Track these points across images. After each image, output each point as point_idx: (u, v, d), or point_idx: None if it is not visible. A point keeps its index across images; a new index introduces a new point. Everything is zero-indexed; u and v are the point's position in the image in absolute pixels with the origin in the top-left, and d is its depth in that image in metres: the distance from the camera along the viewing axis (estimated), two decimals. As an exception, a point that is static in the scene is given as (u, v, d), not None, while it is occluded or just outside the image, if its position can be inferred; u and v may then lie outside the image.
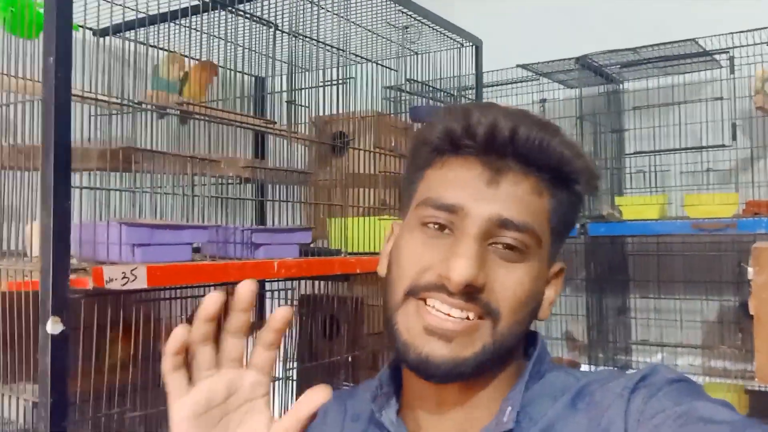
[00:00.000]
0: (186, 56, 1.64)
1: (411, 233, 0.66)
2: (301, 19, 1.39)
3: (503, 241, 0.62)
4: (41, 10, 1.01)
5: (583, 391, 0.65)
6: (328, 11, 1.40)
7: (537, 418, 0.64)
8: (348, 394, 0.77)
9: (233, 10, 1.33)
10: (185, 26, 1.56)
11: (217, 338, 0.54)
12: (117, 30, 1.46)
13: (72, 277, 0.86)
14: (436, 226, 0.64)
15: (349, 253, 1.36)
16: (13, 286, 0.92)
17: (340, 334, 1.46)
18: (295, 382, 1.40)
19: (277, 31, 1.37)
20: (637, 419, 0.58)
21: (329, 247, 1.41)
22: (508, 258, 0.63)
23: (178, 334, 0.52)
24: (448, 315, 0.61)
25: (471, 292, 0.61)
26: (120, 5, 1.38)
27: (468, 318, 0.61)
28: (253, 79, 2.04)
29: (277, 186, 1.77)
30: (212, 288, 1.07)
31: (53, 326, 0.84)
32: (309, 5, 1.39)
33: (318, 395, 0.54)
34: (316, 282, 1.52)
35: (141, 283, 0.90)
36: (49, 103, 0.86)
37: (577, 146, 0.67)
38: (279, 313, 0.54)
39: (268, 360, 0.56)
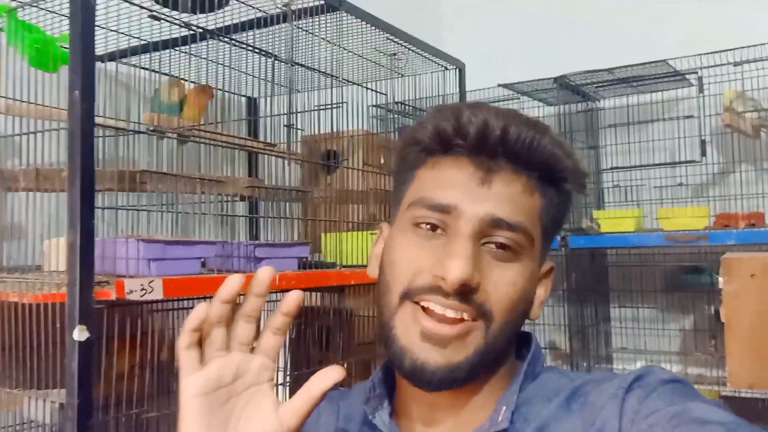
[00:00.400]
0: (185, 80, 1.75)
1: (403, 234, 0.66)
2: (298, 47, 1.51)
3: (496, 240, 0.63)
4: (60, 46, 1.12)
5: (578, 392, 0.66)
6: (323, 39, 1.52)
7: (531, 418, 0.65)
8: (340, 395, 0.78)
9: (231, 40, 1.44)
10: (185, 53, 1.68)
11: (228, 323, 0.56)
12: (120, 56, 1.57)
13: (96, 289, 0.96)
14: (428, 227, 0.64)
15: (344, 266, 1.46)
16: (39, 297, 1.01)
17: (333, 344, 1.56)
18: (288, 388, 1.50)
19: (276, 60, 1.48)
20: (632, 419, 0.59)
21: (324, 260, 1.51)
22: (501, 258, 0.64)
23: (200, 311, 0.54)
24: (443, 315, 0.61)
25: (466, 292, 0.61)
26: (125, 34, 1.49)
27: (463, 318, 0.62)
28: (245, 99, 2.15)
29: (271, 203, 1.89)
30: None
31: (80, 334, 0.93)
32: (304, 34, 1.51)
33: (332, 374, 0.56)
34: (312, 294, 1.63)
35: (158, 294, 1.00)
36: (75, 133, 0.96)
37: (566, 145, 0.68)
38: (291, 296, 0.56)
39: (275, 345, 0.58)
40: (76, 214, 0.94)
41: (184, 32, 1.53)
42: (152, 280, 1.00)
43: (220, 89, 1.88)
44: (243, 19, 1.50)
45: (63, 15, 1.21)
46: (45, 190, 1.13)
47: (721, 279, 1.93)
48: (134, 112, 1.53)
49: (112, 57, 1.58)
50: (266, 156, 1.89)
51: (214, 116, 1.82)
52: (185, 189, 1.17)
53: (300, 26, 1.47)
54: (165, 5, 1.45)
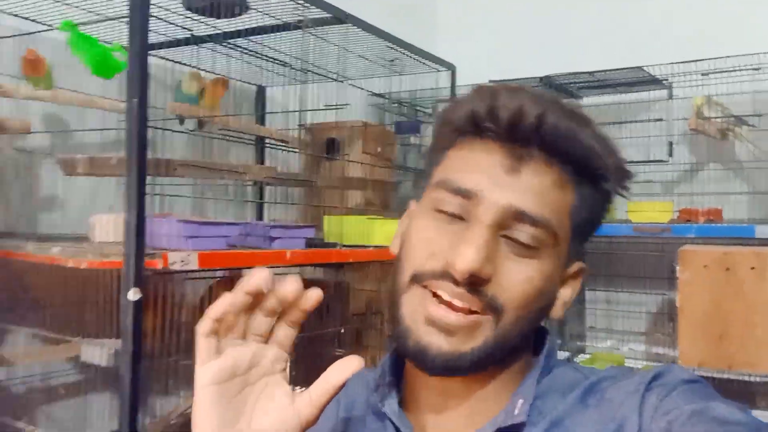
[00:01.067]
0: (205, 70, 1.98)
1: (424, 216, 0.65)
2: (308, 51, 1.74)
3: (516, 235, 0.60)
4: (113, 57, 1.35)
5: (594, 388, 0.65)
6: (332, 44, 1.75)
7: (546, 412, 0.63)
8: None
9: (250, 52, 1.68)
10: (207, 48, 1.91)
11: (247, 313, 0.56)
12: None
13: (146, 259, 1.21)
14: (447, 213, 0.62)
15: (343, 246, 1.72)
16: (94, 264, 1.26)
17: (331, 313, 1.82)
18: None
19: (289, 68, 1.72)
20: (651, 416, 0.58)
21: (324, 240, 1.77)
22: (521, 252, 0.61)
23: (225, 301, 0.54)
24: (450, 303, 0.60)
25: (476, 283, 0.59)
26: (154, 32, 1.72)
27: (470, 310, 0.60)
28: (255, 87, 2.38)
29: (276, 187, 2.14)
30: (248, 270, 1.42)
31: (134, 295, 1.18)
32: (314, 39, 1.74)
33: (351, 364, 0.56)
34: (316, 269, 1.89)
35: (194, 265, 1.25)
36: (133, 132, 1.20)
37: (610, 141, 0.64)
38: (312, 295, 0.56)
39: (289, 336, 0.57)
40: (133, 198, 1.19)
41: (208, 31, 1.77)
42: (190, 254, 1.25)
43: (235, 79, 2.11)
44: (261, 24, 1.73)
45: (118, 19, 1.44)
46: (97, 174, 1.37)
47: (677, 268, 2.21)
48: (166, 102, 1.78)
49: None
50: (273, 144, 2.14)
51: (230, 107, 2.05)
52: (211, 176, 1.42)
53: (311, 33, 1.70)
54: (190, 10, 1.68)
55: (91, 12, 1.40)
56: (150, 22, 1.25)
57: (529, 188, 0.61)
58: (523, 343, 0.66)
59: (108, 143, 1.80)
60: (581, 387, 0.65)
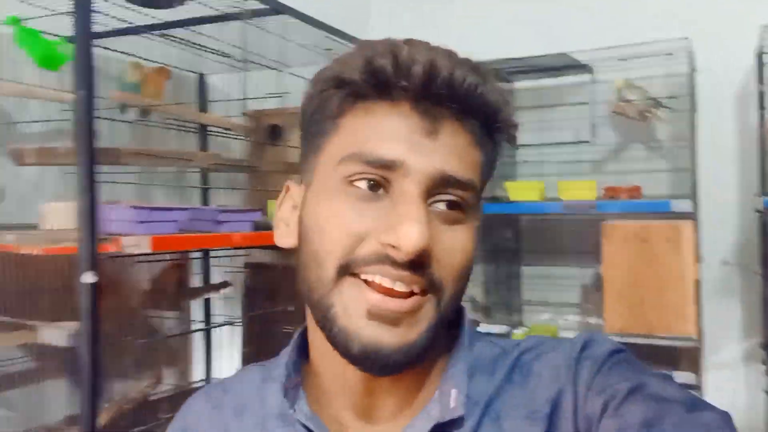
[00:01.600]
0: (146, 59, 2.04)
1: (333, 195, 0.58)
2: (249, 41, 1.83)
3: (446, 198, 0.57)
4: (58, 50, 1.42)
5: (518, 363, 0.63)
6: (270, 33, 1.85)
7: (477, 398, 0.61)
8: (223, 389, 0.71)
9: (191, 43, 1.76)
10: (147, 38, 1.97)
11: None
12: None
13: (100, 244, 1.29)
14: (369, 184, 0.56)
15: (288, 228, 1.82)
16: (49, 250, 1.33)
17: (280, 293, 1.93)
18: (241, 328, 1.87)
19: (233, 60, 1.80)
20: (585, 394, 0.58)
21: (269, 222, 1.87)
22: (450, 219, 0.58)
23: None
24: (391, 290, 0.55)
25: (420, 262, 0.55)
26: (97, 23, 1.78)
27: (412, 292, 0.56)
28: (196, 76, 2.45)
29: (220, 174, 2.23)
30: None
31: (90, 278, 1.27)
32: (253, 29, 1.83)
33: None
34: (264, 252, 1.99)
35: (146, 249, 1.34)
36: (81, 122, 1.28)
37: (505, 92, 0.61)
38: None
39: None
40: (85, 185, 1.27)
41: (147, 21, 1.83)
42: (142, 238, 1.34)
43: (175, 67, 2.18)
44: (202, 14, 1.81)
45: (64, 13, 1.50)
46: (46, 164, 1.44)
47: (602, 242, 2.41)
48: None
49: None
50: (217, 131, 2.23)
51: (171, 95, 2.12)
52: (158, 164, 1.50)
53: (250, 23, 1.79)
54: (130, 1, 1.74)
55: (34, 5, 1.45)
56: (92, 13, 1.32)
57: (449, 150, 0.57)
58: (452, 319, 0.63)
59: (50, 132, 1.84)
60: (506, 365, 0.63)
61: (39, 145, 1.43)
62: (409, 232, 0.53)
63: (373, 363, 0.56)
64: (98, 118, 1.32)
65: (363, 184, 0.56)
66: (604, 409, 0.56)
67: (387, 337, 0.55)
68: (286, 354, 0.67)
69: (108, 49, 2.01)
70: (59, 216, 1.43)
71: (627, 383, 0.56)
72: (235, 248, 1.64)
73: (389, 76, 0.55)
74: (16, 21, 1.39)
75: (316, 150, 0.61)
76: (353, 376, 0.61)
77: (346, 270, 0.56)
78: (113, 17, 1.71)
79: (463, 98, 0.57)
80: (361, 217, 0.56)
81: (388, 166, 0.56)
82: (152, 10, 1.77)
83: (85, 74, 1.27)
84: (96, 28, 1.31)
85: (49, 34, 1.52)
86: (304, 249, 0.60)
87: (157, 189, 2.10)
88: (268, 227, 1.81)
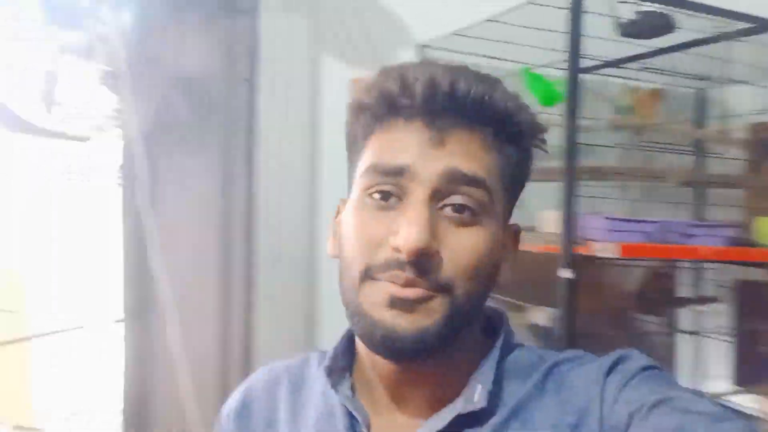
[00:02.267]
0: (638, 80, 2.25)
1: (357, 207, 0.65)
2: None
3: (455, 200, 0.62)
4: (555, 88, 1.78)
5: (553, 371, 0.66)
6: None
7: (506, 398, 0.65)
8: (283, 367, 0.79)
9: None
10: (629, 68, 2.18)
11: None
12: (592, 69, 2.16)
13: (576, 246, 1.60)
14: (380, 195, 0.62)
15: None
16: (541, 249, 1.70)
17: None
18: (730, 344, 1.90)
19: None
20: (611, 406, 0.59)
21: (753, 240, 1.86)
22: (461, 222, 0.62)
23: None
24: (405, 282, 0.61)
25: (423, 263, 0.60)
26: (590, 57, 2.09)
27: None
28: (695, 91, 2.52)
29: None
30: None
31: (566, 273, 1.58)
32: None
33: None
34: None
35: (615, 254, 1.58)
36: (567, 144, 1.60)
37: (520, 98, 0.65)
38: None
39: None
40: (567, 197, 1.59)
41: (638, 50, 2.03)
42: (610, 244, 1.58)
43: (672, 85, 2.30)
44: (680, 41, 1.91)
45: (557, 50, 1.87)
46: (545, 180, 1.82)
47: None
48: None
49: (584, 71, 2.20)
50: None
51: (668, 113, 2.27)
52: (634, 180, 1.71)
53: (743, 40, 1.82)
54: (625, 35, 1.98)
55: (539, 48, 1.83)
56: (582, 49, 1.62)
57: (457, 153, 0.62)
58: (476, 318, 0.67)
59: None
60: (540, 371, 0.66)
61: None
62: (408, 233, 0.59)
63: (392, 348, 0.61)
64: (580, 144, 1.62)
65: (377, 195, 0.63)
66: (629, 421, 0.58)
67: (403, 323, 0.60)
68: (339, 341, 0.74)
69: (608, 75, 2.29)
70: (550, 222, 1.78)
71: (654, 396, 0.57)
72: (710, 261, 1.72)
73: (396, 97, 0.63)
74: (527, 70, 1.81)
75: (353, 170, 0.69)
76: (383, 368, 0.67)
77: (368, 274, 0.62)
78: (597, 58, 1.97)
79: (470, 108, 0.62)
80: (377, 225, 0.62)
81: (398, 172, 0.62)
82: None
83: (571, 104, 1.59)
84: (584, 63, 1.58)
85: (548, 75, 1.89)
86: (340, 257, 0.67)
87: (653, 203, 2.28)
88: (747, 243, 1.82)
